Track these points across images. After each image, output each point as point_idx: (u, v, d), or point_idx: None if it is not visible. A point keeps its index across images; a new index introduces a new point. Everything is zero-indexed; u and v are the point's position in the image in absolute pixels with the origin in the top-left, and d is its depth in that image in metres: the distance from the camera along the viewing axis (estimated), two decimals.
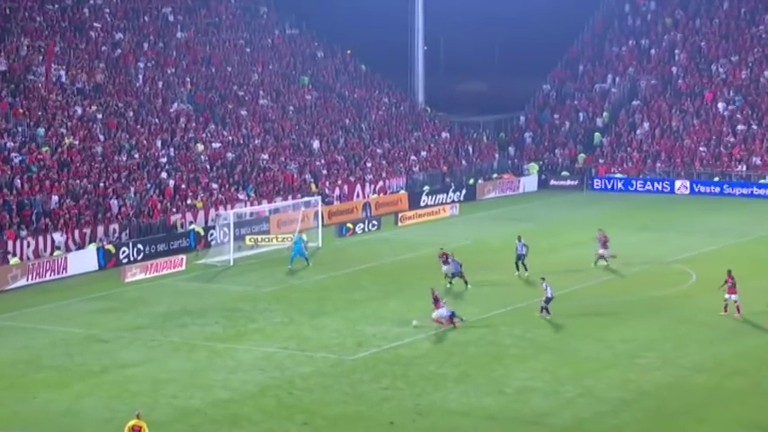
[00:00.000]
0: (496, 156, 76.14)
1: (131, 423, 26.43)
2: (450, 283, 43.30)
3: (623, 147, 75.38)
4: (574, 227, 58.48)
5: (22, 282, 44.88)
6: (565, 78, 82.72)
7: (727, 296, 38.77)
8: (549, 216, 62.61)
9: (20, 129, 54.69)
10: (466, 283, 42.76)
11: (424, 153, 72.10)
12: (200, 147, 60.88)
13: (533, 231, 57.58)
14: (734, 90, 76.31)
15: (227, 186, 58.39)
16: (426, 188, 67.21)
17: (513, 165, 75.42)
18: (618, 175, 72.51)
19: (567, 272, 46.16)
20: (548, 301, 38.99)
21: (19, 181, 50.54)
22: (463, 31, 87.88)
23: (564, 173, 74.18)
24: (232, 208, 54.87)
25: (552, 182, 73.31)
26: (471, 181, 70.53)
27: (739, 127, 73.68)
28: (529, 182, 73.01)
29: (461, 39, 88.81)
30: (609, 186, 71.99)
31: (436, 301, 38.30)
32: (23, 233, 47.44)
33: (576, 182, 72.83)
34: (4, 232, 46.82)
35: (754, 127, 73.49)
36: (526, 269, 45.25)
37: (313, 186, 62.05)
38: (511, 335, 37.22)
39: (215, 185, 57.91)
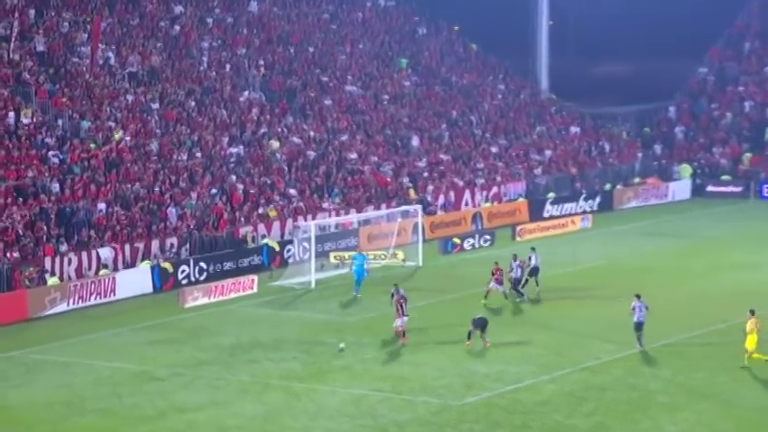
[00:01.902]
0: (639, 155, 75.49)
1: None
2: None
3: None
4: (736, 244, 57.64)
5: (63, 307, 45.81)
6: (726, 59, 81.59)
7: None
8: (704, 231, 61.82)
9: (60, 122, 55.91)
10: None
11: (548, 152, 71.78)
12: (276, 144, 61.52)
13: (684, 249, 56.97)
14: None
15: (307, 192, 58.87)
16: (551, 195, 66.90)
17: (660, 167, 74.70)
18: None
19: (727, 301, 45.42)
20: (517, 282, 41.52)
21: (58, 184, 51.61)
22: (598, 1, 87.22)
23: (724, 177, 73.26)
24: (313, 218, 55.27)
25: (709, 188, 72.55)
26: (607, 187, 70.03)
27: None
28: (680, 188, 72.29)
29: (596, 11, 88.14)
30: None
31: (399, 309, 40.12)
32: (64, 248, 48.42)
33: (741, 188, 71.95)
34: (41, 246, 47.85)
35: None
36: (537, 284, 46.49)
37: (412, 192, 62.20)
38: (657, 377, 36.81)
39: (293, 191, 58.42)
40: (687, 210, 68.46)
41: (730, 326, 42.14)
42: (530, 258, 47.21)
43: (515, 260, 46.58)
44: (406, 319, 40.46)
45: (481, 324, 39.73)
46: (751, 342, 37.07)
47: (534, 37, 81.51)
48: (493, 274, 45.61)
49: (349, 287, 48.69)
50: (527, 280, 46.83)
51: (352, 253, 50.25)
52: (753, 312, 37.66)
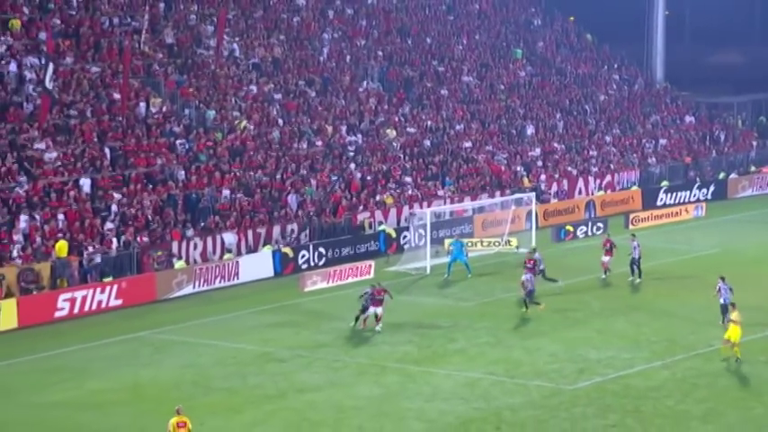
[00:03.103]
0: (754, 144, 74.29)
1: (174, 420, 27.95)
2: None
3: None
4: None
5: (189, 289, 46.67)
6: None
7: None
8: None
9: (187, 111, 56.84)
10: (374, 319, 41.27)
11: (663, 141, 71.06)
12: (393, 133, 61.80)
13: None
14: None
15: (423, 180, 59.06)
16: (665, 184, 66.23)
17: None
18: None
19: None
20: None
21: (185, 172, 52.49)
22: None
23: None
24: (429, 206, 55.49)
25: None
26: (722, 175, 69.10)
27: None
28: None
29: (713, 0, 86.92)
30: None
31: (374, 300, 39.96)
32: (190, 233, 49.30)
33: None
34: (169, 231, 48.77)
35: None
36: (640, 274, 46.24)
37: (526, 180, 62.07)
38: None
39: (409, 179, 58.67)
40: None
41: None
42: (634, 248, 46.95)
43: (535, 253, 46.12)
44: (380, 310, 40.17)
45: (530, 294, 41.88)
46: (734, 334, 35.85)
47: (650, 26, 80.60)
48: (525, 264, 44.94)
49: (463, 272, 48.88)
50: (633, 269, 46.75)
51: (452, 242, 50.26)
52: (734, 306, 36.80)
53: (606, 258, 47.08)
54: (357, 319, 40.76)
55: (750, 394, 33.84)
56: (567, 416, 32.27)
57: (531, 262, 45.18)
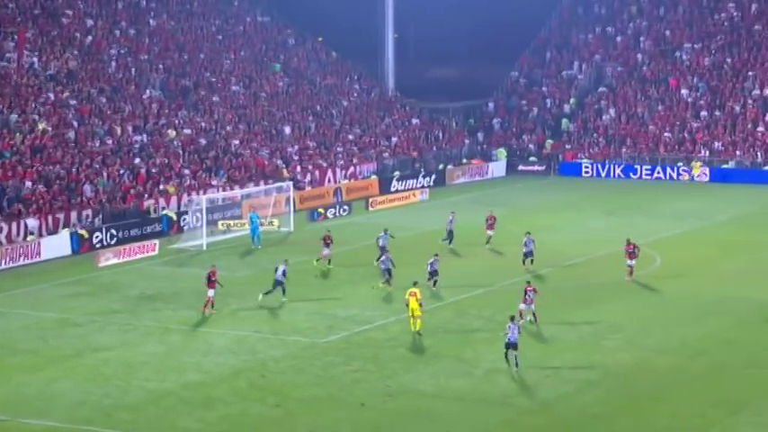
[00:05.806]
0: (466, 141, 76.33)
1: None
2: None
3: (590, 132, 75.72)
4: (543, 211, 58.80)
5: None
6: (533, 65, 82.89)
7: (629, 262, 41.80)
8: (517, 201, 62.86)
9: None
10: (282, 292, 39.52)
11: (394, 139, 72.15)
12: (173, 133, 60.60)
13: (503, 216, 57.71)
14: (697, 77, 76.87)
15: (199, 172, 58.17)
16: (397, 173, 67.28)
17: (482, 150, 75.66)
18: (584, 161, 72.84)
19: (537, 256, 46.22)
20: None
21: None
22: (433, 17, 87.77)
23: (531, 158, 74.47)
24: (204, 193, 54.72)
25: (520, 167, 73.64)
26: (441, 166, 70.66)
27: (702, 113, 74.25)
28: (497, 167, 73.28)
29: (431, 25, 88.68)
30: (576, 172, 72.32)
31: (209, 281, 37.26)
32: None
33: (543, 167, 73.16)
34: None
35: (717, 113, 74.07)
36: (532, 263, 44.04)
37: (284, 172, 61.96)
38: (480, 317, 37.42)
39: (187, 171, 57.68)
40: (503, 184, 69.52)
41: (536, 275, 43.07)
42: (450, 222, 48.23)
43: (329, 236, 45.26)
44: (212, 292, 37.93)
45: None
46: (413, 307, 35.26)
47: (382, 46, 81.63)
48: (324, 240, 44.80)
49: (234, 249, 48.49)
50: (449, 239, 47.97)
51: (249, 214, 50.13)
52: (416, 283, 36.31)
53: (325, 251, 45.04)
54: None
55: (463, 342, 34.80)
56: (320, 364, 32.45)
57: (329, 238, 44.95)
